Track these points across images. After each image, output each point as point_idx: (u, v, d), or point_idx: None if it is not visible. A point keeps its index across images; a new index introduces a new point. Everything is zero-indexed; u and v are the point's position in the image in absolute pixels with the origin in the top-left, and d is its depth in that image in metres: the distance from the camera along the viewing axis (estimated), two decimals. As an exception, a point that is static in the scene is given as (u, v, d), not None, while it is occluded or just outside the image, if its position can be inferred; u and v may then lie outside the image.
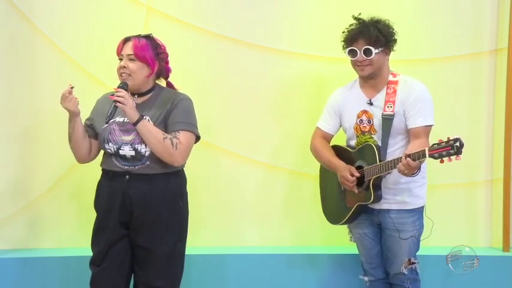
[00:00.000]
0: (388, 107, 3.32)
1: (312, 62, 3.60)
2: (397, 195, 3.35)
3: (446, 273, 3.59)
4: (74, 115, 3.19)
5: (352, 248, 3.71)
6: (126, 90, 3.13)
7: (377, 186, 3.30)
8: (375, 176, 3.25)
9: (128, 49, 3.17)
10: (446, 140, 2.96)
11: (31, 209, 3.97)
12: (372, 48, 3.29)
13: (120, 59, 3.21)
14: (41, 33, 3.91)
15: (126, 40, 3.21)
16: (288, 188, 4.09)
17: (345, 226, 3.60)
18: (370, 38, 3.29)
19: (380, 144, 3.31)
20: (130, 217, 3.18)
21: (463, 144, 2.93)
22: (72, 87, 3.14)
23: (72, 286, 3.81)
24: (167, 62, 3.32)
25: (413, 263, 3.37)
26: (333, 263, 3.95)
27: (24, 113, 3.91)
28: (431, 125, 3.31)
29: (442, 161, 2.96)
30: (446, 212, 3.93)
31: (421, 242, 3.42)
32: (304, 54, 3.95)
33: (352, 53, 3.33)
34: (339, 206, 3.50)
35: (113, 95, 3.11)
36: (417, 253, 3.41)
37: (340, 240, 3.91)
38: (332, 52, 3.77)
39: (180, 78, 3.98)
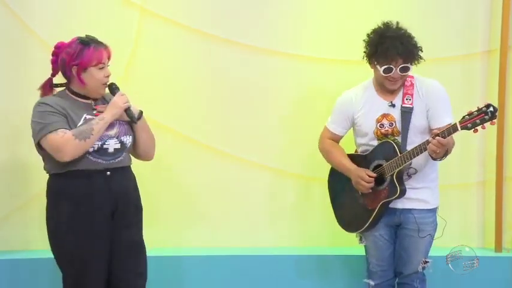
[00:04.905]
0: (406, 99, 3.30)
1: (320, 64, 3.61)
2: (420, 194, 3.36)
3: (442, 274, 3.59)
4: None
5: (361, 250, 3.67)
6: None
7: (400, 179, 3.28)
8: (397, 170, 3.23)
9: (108, 57, 3.18)
10: (476, 109, 3.01)
11: (24, 210, 3.95)
12: (409, 66, 3.27)
13: (101, 68, 3.13)
14: (34, 34, 3.90)
15: (105, 47, 3.17)
16: (297, 191, 4.10)
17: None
18: (413, 57, 3.26)
19: (400, 141, 3.28)
20: (115, 212, 3.15)
21: (496, 108, 3.00)
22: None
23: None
24: None
25: (426, 262, 3.40)
26: (341, 265, 3.96)
27: (18, 113, 3.88)
28: None
29: (476, 131, 3.04)
30: (440, 213, 3.93)
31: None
32: (311, 57, 3.95)
33: (388, 70, 3.25)
34: (358, 211, 3.43)
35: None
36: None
37: (348, 241, 3.90)
38: (339, 55, 3.82)
39: (177, 81, 4.00)
